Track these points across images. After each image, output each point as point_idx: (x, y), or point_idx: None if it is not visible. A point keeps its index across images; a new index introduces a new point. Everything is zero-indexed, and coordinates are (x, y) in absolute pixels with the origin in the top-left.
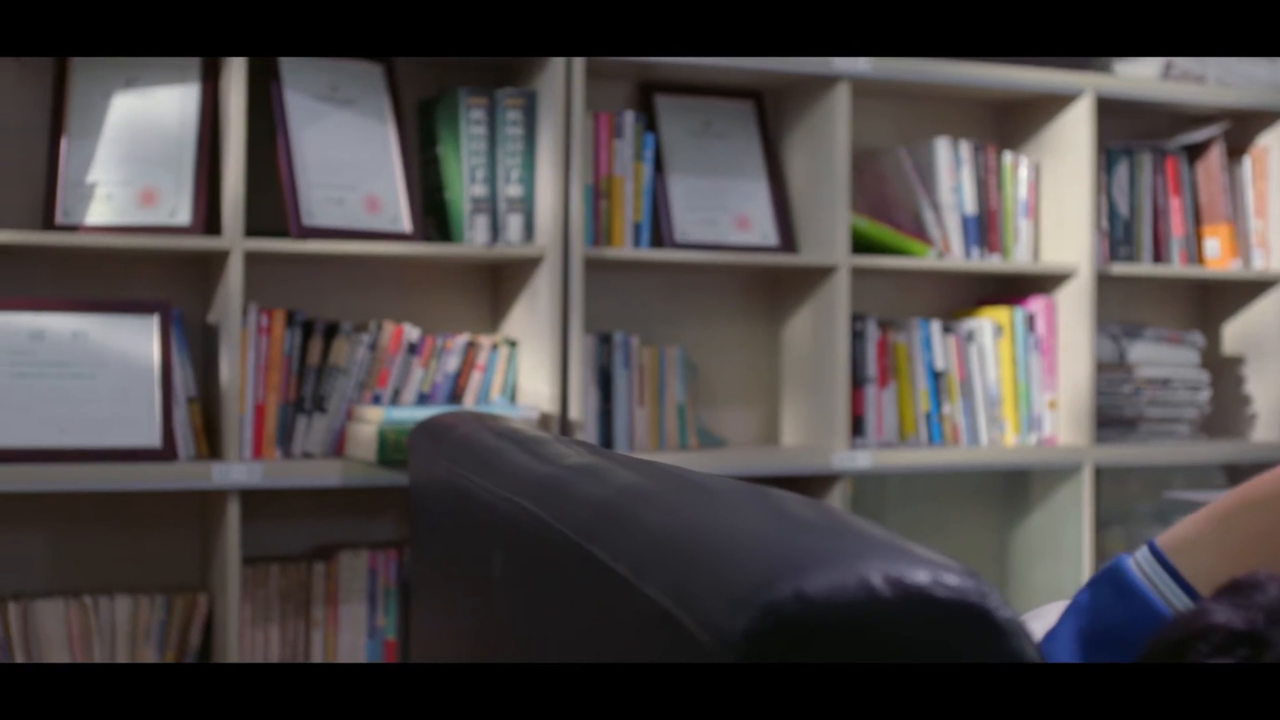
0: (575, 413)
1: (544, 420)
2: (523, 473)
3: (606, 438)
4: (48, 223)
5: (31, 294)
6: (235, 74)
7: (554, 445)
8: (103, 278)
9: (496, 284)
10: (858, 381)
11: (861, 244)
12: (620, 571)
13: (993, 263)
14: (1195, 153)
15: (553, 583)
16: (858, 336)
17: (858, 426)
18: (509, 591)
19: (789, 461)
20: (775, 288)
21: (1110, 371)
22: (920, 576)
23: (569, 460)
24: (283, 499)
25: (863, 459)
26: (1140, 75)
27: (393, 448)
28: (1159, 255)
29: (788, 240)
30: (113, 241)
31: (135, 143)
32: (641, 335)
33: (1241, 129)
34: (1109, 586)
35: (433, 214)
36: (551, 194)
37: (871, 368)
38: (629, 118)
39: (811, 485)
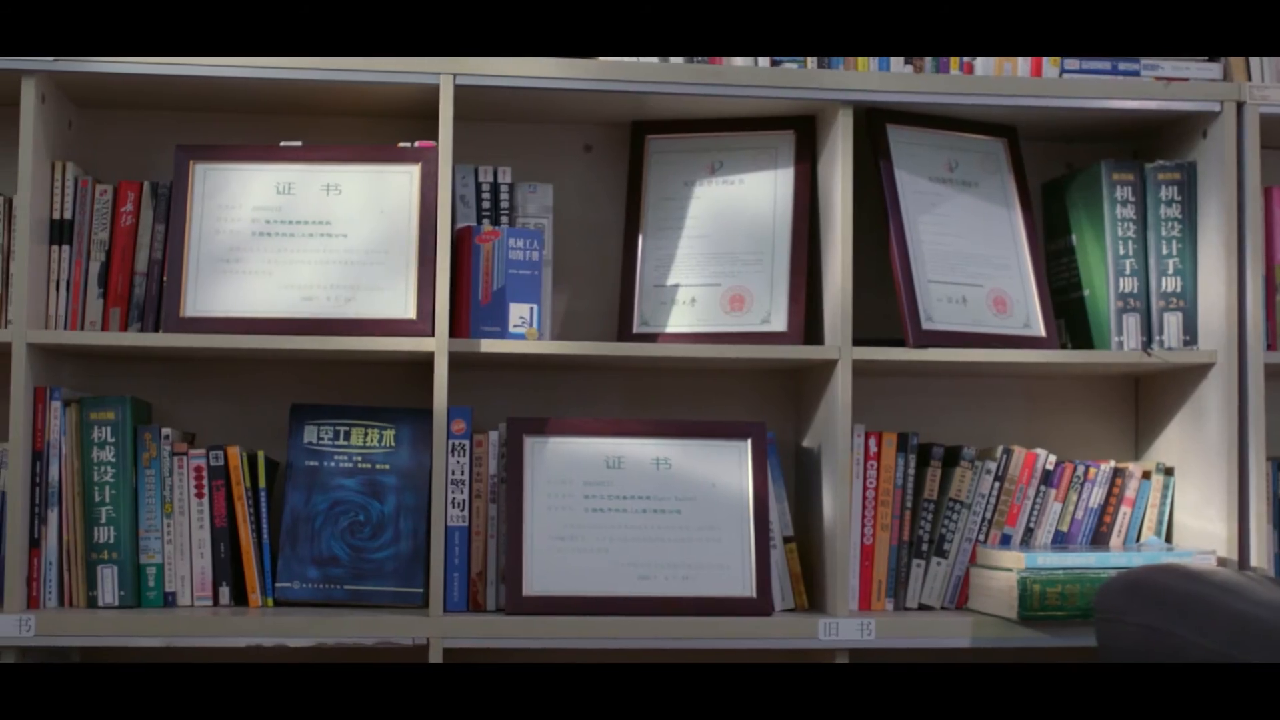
0: (1256, 557)
1: (1223, 566)
2: None
3: None
4: (624, 332)
5: (604, 412)
6: (839, 153)
7: None
8: (680, 393)
9: (1141, 398)
10: None
11: None
12: None
13: None
14: None
15: None
16: None
17: None
18: None
19: None
20: None
21: None
22: None
23: None
24: (890, 658)
25: None
26: None
27: (1037, 601)
28: None
29: None
30: (698, 352)
31: (721, 238)
32: None
33: None
34: None
35: (1063, 315)
36: (1221, 288)
37: None
38: None
39: None
